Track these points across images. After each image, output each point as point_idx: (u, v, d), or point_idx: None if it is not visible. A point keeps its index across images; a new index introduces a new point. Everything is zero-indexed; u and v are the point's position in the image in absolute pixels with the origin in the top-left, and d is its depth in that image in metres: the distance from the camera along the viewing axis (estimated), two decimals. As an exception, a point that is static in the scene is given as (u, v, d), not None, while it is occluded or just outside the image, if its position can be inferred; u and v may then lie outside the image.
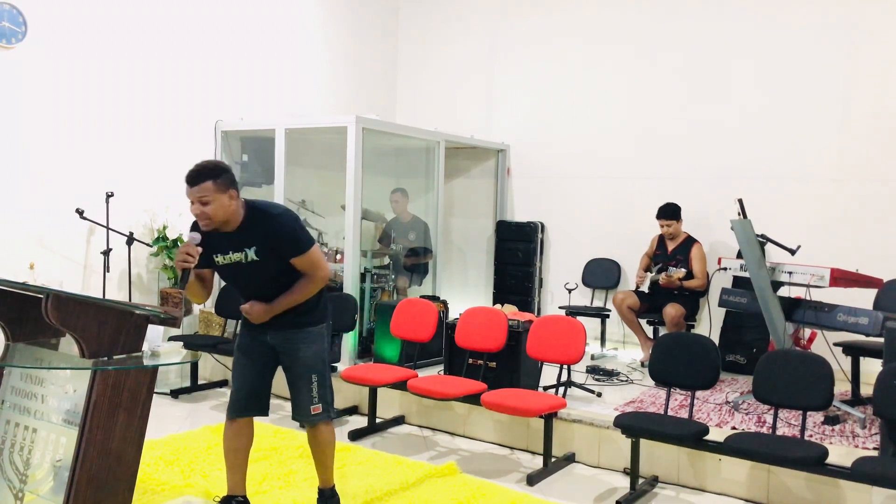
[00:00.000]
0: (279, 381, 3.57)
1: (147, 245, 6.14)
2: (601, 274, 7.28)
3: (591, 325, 6.03)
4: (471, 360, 5.09)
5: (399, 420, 5.31)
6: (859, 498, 3.80)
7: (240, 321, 3.57)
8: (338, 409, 5.43)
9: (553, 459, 4.48)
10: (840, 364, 4.91)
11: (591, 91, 7.48)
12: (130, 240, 5.93)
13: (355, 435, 4.91)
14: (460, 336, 5.10)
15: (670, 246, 6.35)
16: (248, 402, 3.49)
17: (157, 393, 4.38)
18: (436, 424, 5.20)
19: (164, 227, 6.20)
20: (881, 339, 4.41)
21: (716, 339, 5.74)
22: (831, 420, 4.68)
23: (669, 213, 6.27)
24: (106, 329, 2.96)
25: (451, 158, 7.62)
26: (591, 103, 7.48)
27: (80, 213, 5.71)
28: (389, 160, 7.74)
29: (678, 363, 4.19)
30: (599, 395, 5.20)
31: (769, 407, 4.21)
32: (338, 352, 5.77)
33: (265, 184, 6.57)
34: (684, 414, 4.41)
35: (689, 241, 6.29)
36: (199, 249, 3.20)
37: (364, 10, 8.30)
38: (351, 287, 5.99)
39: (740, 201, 5.26)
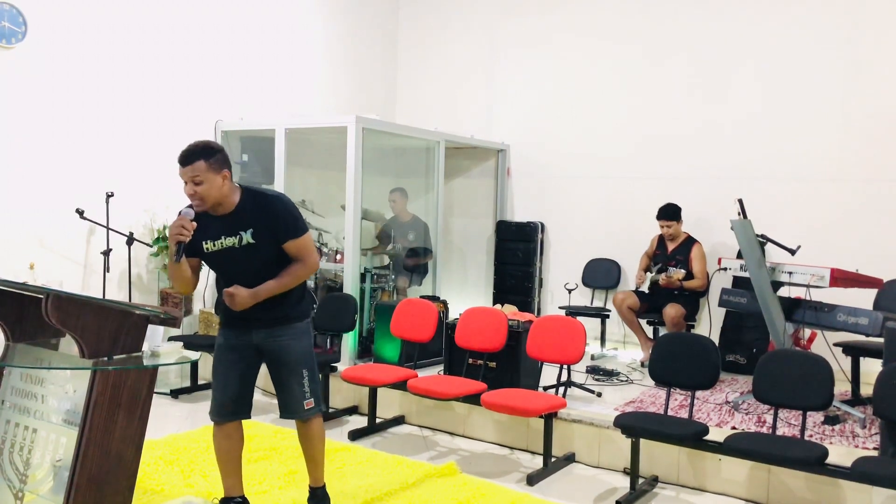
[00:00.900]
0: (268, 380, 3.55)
1: (147, 245, 6.14)
2: (601, 274, 7.28)
3: (591, 325, 6.02)
4: (471, 360, 5.09)
5: (399, 420, 5.31)
6: (859, 498, 3.80)
7: (220, 321, 3.48)
8: (338, 409, 5.44)
9: (553, 459, 4.48)
10: (840, 364, 4.90)
11: (592, 91, 7.48)
12: (130, 240, 5.93)
13: (355, 435, 4.91)
14: (460, 336, 5.10)
15: (670, 246, 6.35)
16: (236, 406, 3.44)
17: (157, 393, 4.38)
18: (436, 424, 5.20)
19: (164, 227, 6.20)
20: (881, 339, 4.41)
21: (716, 339, 5.74)
22: (831, 420, 4.68)
23: (669, 213, 6.27)
24: (106, 329, 2.96)
25: (451, 158, 7.62)
26: (592, 103, 7.48)
27: (80, 213, 5.71)
28: (389, 160, 7.74)
29: (678, 363, 4.19)
30: (599, 395, 5.20)
31: (769, 407, 4.21)
32: (338, 352, 5.77)
33: (265, 184, 6.57)
34: (684, 414, 4.41)
35: (689, 242, 6.29)
36: (194, 224, 3.17)
37: (364, 10, 8.30)
38: (351, 287, 5.99)
39: (740, 201, 5.26)
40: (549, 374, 5.17)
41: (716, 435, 3.90)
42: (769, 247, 5.51)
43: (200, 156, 3.16)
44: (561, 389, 5.04)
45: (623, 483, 4.20)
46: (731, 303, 5.52)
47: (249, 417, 3.52)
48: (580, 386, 5.27)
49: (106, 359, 2.96)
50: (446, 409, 5.13)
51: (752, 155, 6.65)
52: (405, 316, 5.28)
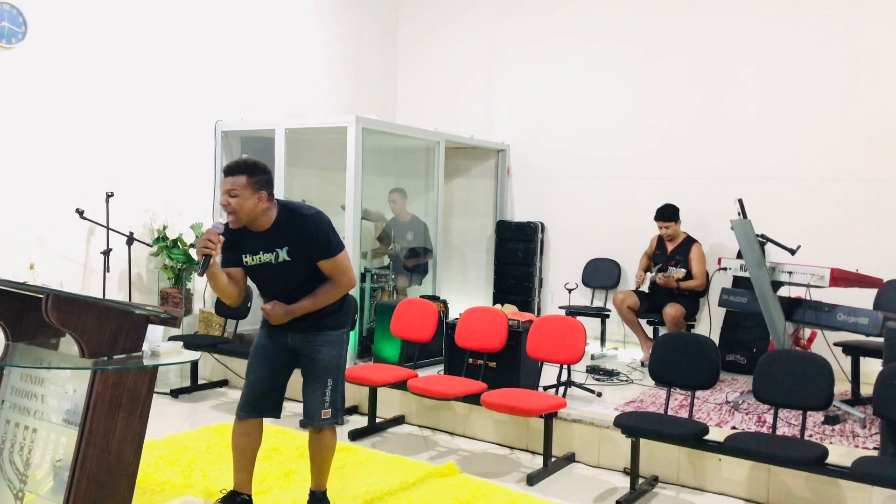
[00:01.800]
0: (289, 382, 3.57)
1: (147, 245, 6.14)
2: (601, 274, 7.28)
3: (591, 324, 6.02)
4: (471, 360, 5.09)
5: (399, 420, 5.31)
6: (859, 498, 3.80)
7: (260, 321, 3.55)
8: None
9: (553, 459, 4.48)
10: (840, 364, 4.90)
11: (591, 91, 7.48)
12: (130, 240, 5.93)
13: (355, 435, 4.91)
14: (460, 336, 5.09)
15: (670, 246, 6.35)
16: (262, 404, 3.48)
17: (157, 393, 4.39)
18: (436, 424, 5.20)
19: (164, 227, 6.20)
20: (881, 339, 4.40)
21: (716, 339, 5.73)
22: (831, 420, 4.68)
23: (667, 214, 6.27)
24: (106, 329, 2.96)
25: (451, 158, 7.62)
26: (591, 103, 7.48)
27: (80, 213, 5.71)
28: (389, 160, 7.74)
29: (678, 363, 4.19)
30: (599, 394, 5.20)
31: (769, 407, 4.21)
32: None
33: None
34: (684, 414, 4.41)
35: (689, 242, 6.29)
36: (221, 238, 3.20)
37: (364, 10, 8.30)
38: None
39: (740, 201, 5.26)
40: (549, 374, 5.17)
41: (716, 435, 3.90)
42: (769, 247, 5.51)
43: (245, 171, 3.23)
44: (561, 389, 5.04)
45: (623, 483, 4.20)
46: (731, 303, 5.52)
47: (278, 417, 3.54)
48: (580, 386, 5.27)
49: (106, 359, 2.96)
50: (446, 409, 5.13)
51: (752, 155, 6.65)
52: (405, 316, 5.29)
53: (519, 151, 7.95)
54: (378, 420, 5.18)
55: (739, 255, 5.60)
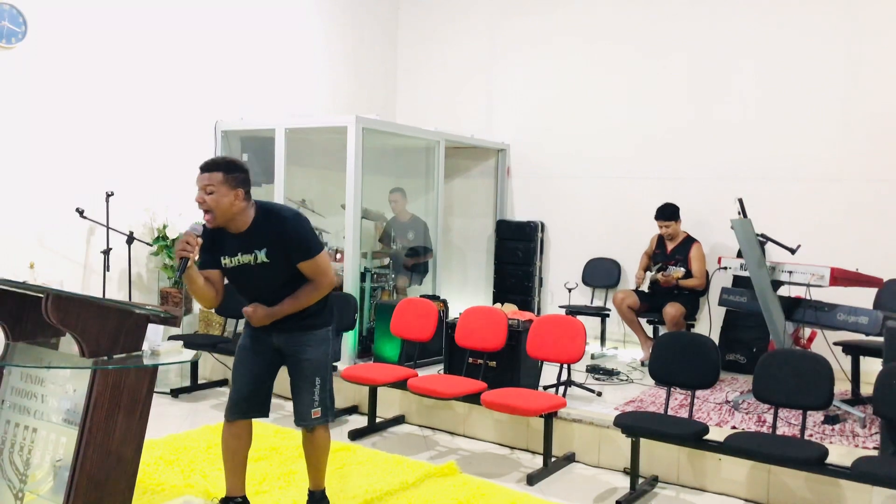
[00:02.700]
0: (281, 381, 3.57)
1: (147, 245, 6.14)
2: (601, 273, 7.28)
3: (591, 324, 6.02)
4: (471, 360, 5.09)
5: (399, 420, 5.31)
6: (859, 498, 3.80)
7: (244, 321, 3.54)
8: (338, 409, 5.43)
9: (553, 459, 4.48)
10: (840, 364, 4.90)
11: (591, 91, 7.48)
12: (130, 239, 5.93)
13: (355, 435, 4.91)
14: (460, 335, 5.10)
15: (670, 245, 6.35)
16: (249, 405, 3.47)
17: (157, 393, 4.39)
18: (436, 424, 5.20)
19: (164, 227, 6.20)
20: (881, 339, 4.41)
21: (716, 338, 5.74)
22: (831, 420, 4.68)
23: (668, 214, 6.27)
24: (106, 329, 2.96)
25: (451, 158, 7.62)
26: (592, 103, 7.48)
27: (80, 212, 5.71)
28: (389, 160, 7.74)
29: (678, 363, 4.19)
30: (599, 394, 5.20)
31: (769, 406, 4.21)
32: (338, 351, 5.77)
33: (265, 183, 6.57)
34: (684, 413, 4.41)
35: (689, 241, 6.29)
36: (200, 240, 3.19)
37: (364, 10, 8.30)
38: (351, 287, 5.99)
39: (740, 201, 5.26)
40: (549, 374, 5.17)
41: (716, 435, 3.90)
42: (769, 246, 5.52)
43: (221, 168, 3.24)
44: (561, 389, 5.03)
45: (623, 483, 4.20)
46: (731, 302, 5.52)
47: (266, 416, 3.54)
48: (580, 385, 5.27)
49: (106, 358, 2.96)
50: (446, 409, 5.13)
51: (752, 155, 6.65)
52: (405, 315, 5.29)
53: (519, 151, 7.95)
54: (378, 420, 5.18)
55: (739, 255, 5.60)
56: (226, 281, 3.45)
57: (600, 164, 7.40)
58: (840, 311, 4.78)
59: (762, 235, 5.23)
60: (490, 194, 8.10)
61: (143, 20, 6.23)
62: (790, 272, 5.00)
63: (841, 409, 4.74)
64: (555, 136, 7.68)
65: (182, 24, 6.52)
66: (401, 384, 4.80)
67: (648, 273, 6.41)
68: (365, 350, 6.20)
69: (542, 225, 7.75)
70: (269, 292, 3.34)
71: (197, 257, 3.19)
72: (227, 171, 3.23)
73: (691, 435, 3.84)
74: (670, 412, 4.26)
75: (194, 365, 6.00)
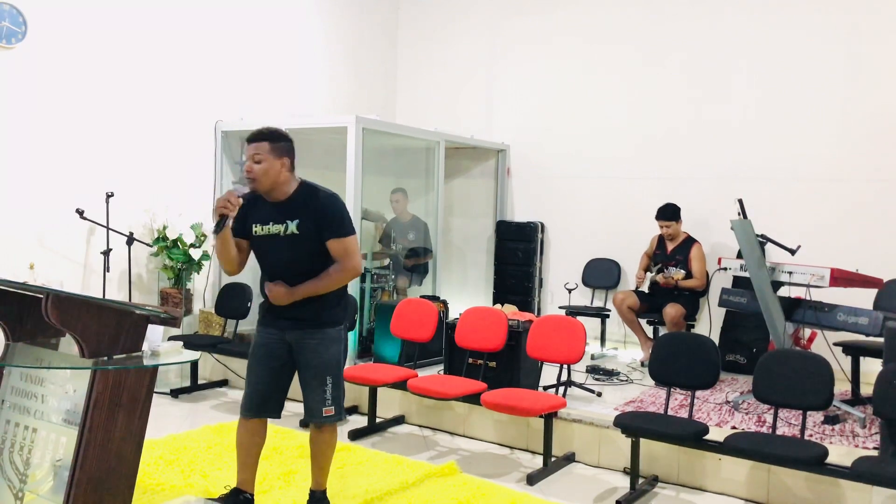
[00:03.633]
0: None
1: (147, 245, 6.14)
2: (601, 274, 7.28)
3: (591, 324, 6.02)
4: (471, 360, 5.09)
5: (399, 420, 5.31)
6: (859, 498, 3.80)
7: (258, 319, 3.54)
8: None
9: (553, 459, 4.48)
10: (840, 364, 4.90)
11: (591, 91, 7.48)
12: (130, 240, 5.93)
13: (355, 435, 4.91)
14: (460, 336, 5.10)
15: (670, 246, 6.35)
16: (264, 403, 3.47)
17: (157, 393, 4.38)
18: (436, 424, 5.20)
19: (164, 227, 6.20)
20: (881, 339, 4.41)
21: (716, 339, 5.73)
22: (831, 420, 4.68)
23: (668, 214, 6.27)
24: (106, 329, 2.96)
25: (451, 158, 7.62)
26: (591, 103, 7.48)
27: (80, 213, 5.71)
28: (389, 160, 7.74)
29: (678, 363, 4.19)
30: (599, 394, 5.20)
31: (769, 407, 4.21)
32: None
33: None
34: (684, 414, 4.41)
35: (689, 242, 6.29)
36: (241, 201, 3.27)
37: (364, 10, 8.30)
38: (351, 287, 5.97)
39: (740, 201, 5.26)
40: (549, 374, 5.17)
41: (716, 435, 3.90)
42: (769, 247, 5.52)
43: (267, 138, 3.32)
44: (561, 389, 5.03)
45: (623, 483, 4.20)
46: (731, 303, 5.52)
47: (278, 417, 3.54)
48: (580, 386, 5.27)
49: (106, 358, 2.96)
50: (446, 409, 5.13)
51: (751, 155, 6.65)
52: (405, 316, 5.29)
53: (519, 151, 7.95)
54: (378, 420, 5.18)
55: (739, 255, 5.60)
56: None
57: (600, 165, 7.40)
58: (840, 312, 4.78)
59: (762, 236, 5.24)
60: (490, 194, 8.10)
61: (143, 20, 6.23)
62: (790, 273, 5.00)
63: (841, 409, 4.75)
64: (555, 136, 7.68)
65: (182, 24, 6.52)
66: (401, 384, 4.80)
67: (648, 273, 6.41)
68: (365, 350, 6.20)
69: (542, 225, 7.75)
70: (291, 269, 3.34)
71: (234, 216, 3.27)
72: (272, 139, 3.32)
73: (691, 435, 3.84)
74: (670, 412, 4.26)
75: (194, 365, 6.00)
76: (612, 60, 7.37)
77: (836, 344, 5.16)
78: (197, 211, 6.48)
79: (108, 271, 5.79)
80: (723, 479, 4.15)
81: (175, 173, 6.49)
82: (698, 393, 4.92)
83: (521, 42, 7.93)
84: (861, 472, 3.39)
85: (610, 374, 5.75)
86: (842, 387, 4.84)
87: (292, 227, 3.32)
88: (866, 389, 4.81)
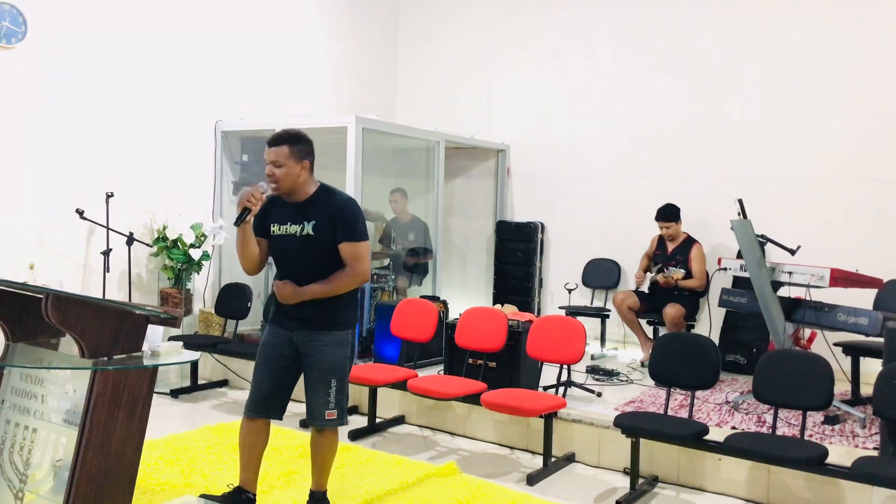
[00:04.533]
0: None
1: (147, 245, 6.14)
2: (601, 274, 7.28)
3: (591, 325, 6.02)
4: (471, 360, 5.09)
5: (399, 420, 5.31)
6: (859, 498, 3.80)
7: (268, 319, 3.56)
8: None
9: (553, 459, 4.48)
10: (840, 364, 4.90)
11: (591, 91, 7.48)
12: (130, 240, 5.93)
13: (355, 435, 4.91)
14: (460, 336, 5.10)
15: (670, 246, 6.35)
16: (268, 403, 3.47)
17: (157, 393, 4.38)
18: (436, 424, 5.20)
19: (164, 227, 6.20)
20: (881, 339, 4.41)
21: (716, 339, 5.74)
22: (831, 420, 4.68)
23: (668, 214, 6.27)
24: (106, 329, 2.96)
25: (451, 158, 7.62)
26: (591, 103, 7.48)
27: (80, 213, 5.71)
28: (389, 160, 7.74)
29: (678, 363, 4.19)
30: (599, 395, 5.20)
31: (769, 407, 4.21)
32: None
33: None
34: (684, 414, 4.41)
35: (689, 242, 6.29)
36: (264, 197, 3.35)
37: (364, 10, 8.30)
38: (351, 287, 5.98)
39: (740, 201, 5.26)
40: (549, 374, 5.17)
41: (716, 435, 3.90)
42: (769, 247, 5.52)
43: (287, 141, 3.36)
44: (561, 389, 5.03)
45: (623, 483, 4.20)
46: (731, 303, 5.52)
47: (280, 419, 3.55)
48: (580, 386, 5.27)
49: (106, 359, 2.96)
50: (446, 409, 5.13)
51: (752, 155, 6.65)
52: (405, 316, 5.29)
53: (519, 151, 7.95)
54: (378, 420, 5.18)
55: (739, 255, 5.60)
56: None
57: (600, 165, 7.41)
58: (840, 312, 4.78)
59: (762, 236, 5.24)
60: (490, 194, 8.10)
61: (143, 20, 6.23)
62: (790, 273, 5.00)
63: (841, 409, 4.74)
64: (555, 136, 7.68)
65: (182, 25, 6.51)
66: (401, 385, 4.80)
67: (648, 274, 6.41)
68: (365, 350, 6.20)
69: (542, 225, 7.75)
70: (304, 269, 3.38)
71: (256, 211, 3.33)
72: (292, 143, 3.36)
73: (691, 435, 3.84)
74: (670, 412, 4.26)
75: (194, 365, 6.00)
76: (612, 60, 7.37)
77: (836, 344, 5.16)
78: (197, 211, 6.48)
79: (108, 271, 5.79)
80: (723, 480, 4.15)
81: (175, 173, 6.49)
82: (698, 393, 4.92)
83: (521, 42, 7.92)
84: (861, 472, 3.39)
85: (610, 375, 5.75)
86: (842, 387, 4.84)
87: (308, 228, 3.36)
88: (866, 389, 4.81)
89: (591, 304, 7.24)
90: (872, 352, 5.01)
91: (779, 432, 4.04)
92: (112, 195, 5.86)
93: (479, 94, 8.17)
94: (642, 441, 4.08)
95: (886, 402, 3.60)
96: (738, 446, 3.69)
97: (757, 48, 6.65)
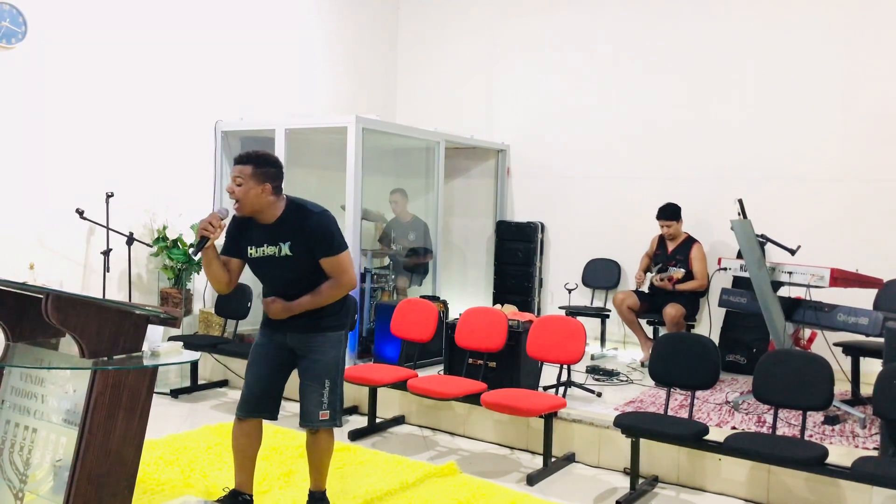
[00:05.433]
0: (287, 383, 3.57)
1: (147, 245, 6.14)
2: (601, 274, 7.28)
3: (591, 325, 6.02)
4: (471, 360, 5.09)
5: (399, 420, 5.31)
6: (859, 498, 3.80)
7: (261, 321, 3.56)
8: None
9: (553, 459, 4.48)
10: (840, 364, 4.90)
11: (591, 91, 7.48)
12: (130, 240, 5.93)
13: (355, 435, 4.91)
14: (460, 336, 5.09)
15: (670, 246, 6.35)
16: (260, 404, 3.48)
17: (157, 393, 4.39)
18: (436, 424, 5.20)
19: (164, 227, 6.20)
20: (881, 339, 4.41)
21: (716, 339, 5.74)
22: (831, 420, 4.68)
23: (669, 213, 6.27)
24: (106, 329, 2.96)
25: (451, 158, 7.62)
26: (591, 103, 7.48)
27: (80, 213, 5.71)
28: (389, 160, 7.74)
29: (678, 363, 4.18)
30: (599, 395, 5.20)
31: (769, 407, 4.21)
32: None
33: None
34: (684, 414, 4.41)
35: (689, 242, 6.29)
36: (223, 224, 3.31)
37: (364, 9, 8.30)
38: (351, 287, 5.98)
39: (740, 201, 5.26)
40: (549, 374, 5.17)
41: (716, 435, 3.90)
42: (769, 247, 5.52)
43: (252, 162, 3.32)
44: (561, 389, 5.03)
45: (623, 483, 4.20)
46: (731, 303, 5.52)
47: (275, 419, 3.55)
48: (580, 386, 5.27)
49: (106, 359, 2.96)
50: (446, 409, 5.13)
51: (752, 155, 6.65)
52: (405, 316, 5.29)
53: (519, 151, 7.95)
54: (378, 420, 5.18)
55: (739, 255, 5.60)
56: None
57: (600, 165, 7.41)
58: (840, 312, 4.78)
59: (762, 236, 5.23)
60: (490, 194, 8.10)
61: (144, 20, 6.23)
62: (790, 273, 5.00)
63: (841, 409, 4.74)
64: (555, 136, 7.68)
65: (182, 25, 6.52)
66: (401, 385, 4.80)
67: (649, 274, 6.41)
68: (365, 350, 6.20)
69: (542, 225, 7.75)
70: (290, 286, 3.38)
71: (217, 239, 3.28)
72: (256, 164, 3.31)
73: (691, 435, 3.84)
74: (670, 412, 4.26)
75: (194, 365, 6.00)
76: (612, 60, 7.37)
77: (836, 344, 5.16)
78: (197, 211, 6.47)
79: (108, 271, 5.79)
80: (723, 480, 4.15)
81: (175, 173, 6.49)
82: (698, 393, 4.92)
83: (520, 42, 7.92)
84: (861, 472, 3.39)
85: (610, 375, 5.75)
86: (842, 387, 4.84)
87: (285, 248, 3.34)
88: (866, 389, 4.81)
89: (591, 304, 7.24)
90: (872, 352, 5.01)
91: (779, 432, 4.04)
92: (112, 195, 5.86)
93: (479, 94, 8.17)
94: (642, 441, 4.08)
95: (886, 402, 3.60)
96: (738, 446, 3.68)
97: (757, 48, 6.65)
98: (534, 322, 4.98)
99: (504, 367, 5.12)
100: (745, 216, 5.13)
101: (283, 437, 4.73)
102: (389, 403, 5.33)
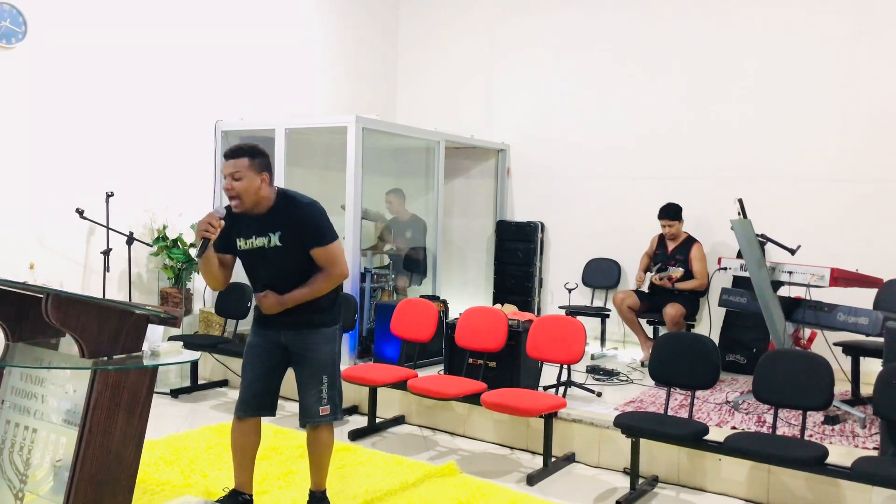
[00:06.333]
0: (285, 382, 3.57)
1: (147, 245, 6.14)
2: (601, 274, 7.28)
3: (591, 324, 6.02)
4: (471, 360, 5.09)
5: (399, 420, 5.31)
6: (859, 498, 3.80)
7: (253, 319, 3.55)
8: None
9: (553, 459, 4.48)
10: (840, 364, 4.91)
11: (591, 91, 7.48)
12: (130, 240, 5.93)
13: (355, 435, 4.91)
14: (460, 336, 5.09)
15: (670, 246, 6.35)
16: (258, 402, 3.49)
17: (157, 393, 4.38)
18: (436, 424, 5.20)
19: (164, 227, 6.20)
20: (881, 339, 4.40)
21: (716, 338, 5.73)
22: (831, 420, 4.68)
23: (671, 213, 6.27)
24: (106, 329, 2.96)
25: (451, 158, 7.62)
26: (591, 103, 7.47)
27: (80, 212, 5.71)
28: (389, 160, 7.74)
29: (678, 363, 4.18)
30: (599, 394, 5.20)
31: (769, 407, 4.21)
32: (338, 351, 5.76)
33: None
34: (684, 414, 4.41)
35: (689, 241, 6.30)
36: (222, 223, 3.24)
37: (364, 9, 8.30)
38: (351, 287, 5.99)
39: (740, 201, 5.26)
40: (549, 374, 5.17)
41: (716, 435, 3.90)
42: (769, 247, 5.51)
43: (246, 154, 3.27)
44: (561, 389, 5.03)
45: (623, 483, 4.20)
46: (731, 303, 5.52)
47: (273, 415, 3.55)
48: (580, 386, 5.27)
49: (106, 359, 2.96)
50: (446, 409, 5.13)
51: (752, 155, 6.65)
52: (405, 316, 5.29)
53: (519, 151, 7.95)
54: (378, 420, 5.18)
55: (739, 255, 5.60)
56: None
57: (600, 165, 7.41)
58: (840, 312, 4.77)
59: (762, 236, 5.23)
60: (490, 194, 8.10)
61: (144, 21, 6.23)
62: (790, 272, 5.00)
63: (841, 409, 4.74)
64: (555, 136, 7.68)
65: (182, 25, 6.51)
66: (401, 384, 4.80)
67: (649, 273, 6.41)
68: (365, 350, 6.20)
69: (542, 225, 7.75)
70: (281, 279, 3.35)
71: (216, 238, 3.25)
72: (252, 156, 3.27)
73: (691, 435, 3.84)
74: (670, 412, 4.26)
75: (194, 365, 6.00)
76: (612, 60, 7.37)
77: (836, 344, 5.16)
78: (197, 210, 6.47)
79: (108, 271, 5.79)
80: (723, 480, 4.15)
81: (175, 173, 6.49)
82: (698, 393, 4.92)
83: (520, 42, 7.92)
84: (861, 472, 3.38)
85: (610, 374, 5.75)
86: (842, 387, 4.84)
87: (275, 239, 3.32)
88: (866, 389, 4.81)
89: (591, 303, 7.24)
90: (872, 352, 5.01)
91: (779, 432, 4.04)
92: (112, 195, 5.86)
93: (479, 94, 8.17)
94: (642, 441, 4.08)
95: (886, 402, 3.60)
96: (738, 446, 3.69)
97: (757, 48, 6.64)
98: (534, 322, 4.98)
99: (504, 366, 5.12)
100: (745, 216, 5.13)
101: (282, 437, 4.73)
102: (389, 403, 5.33)
